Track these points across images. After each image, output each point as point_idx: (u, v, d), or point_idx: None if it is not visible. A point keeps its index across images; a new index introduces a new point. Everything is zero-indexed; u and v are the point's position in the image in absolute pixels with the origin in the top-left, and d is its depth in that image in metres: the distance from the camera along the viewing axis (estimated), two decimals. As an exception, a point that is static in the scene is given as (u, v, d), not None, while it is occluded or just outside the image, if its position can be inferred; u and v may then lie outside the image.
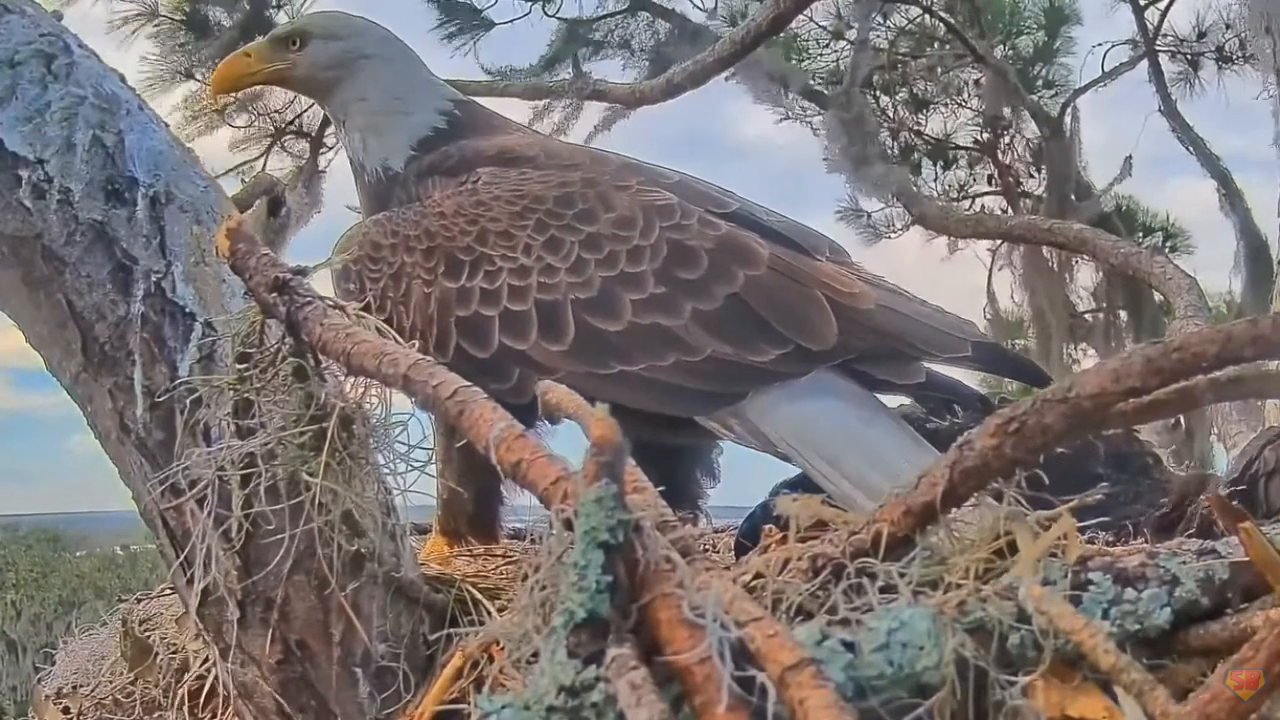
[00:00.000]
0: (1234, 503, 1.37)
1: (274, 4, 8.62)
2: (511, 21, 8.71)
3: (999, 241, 8.72)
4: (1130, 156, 8.71)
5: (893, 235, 8.72)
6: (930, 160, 9.30)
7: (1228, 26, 8.11)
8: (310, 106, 9.02)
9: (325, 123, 9.00)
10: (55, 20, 1.73)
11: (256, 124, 8.88)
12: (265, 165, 8.86)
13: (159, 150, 1.69)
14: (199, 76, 8.52)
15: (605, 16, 8.99)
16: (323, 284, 1.48)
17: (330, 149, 9.02)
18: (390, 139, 2.32)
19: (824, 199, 8.73)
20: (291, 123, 8.96)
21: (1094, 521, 1.37)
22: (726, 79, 7.76)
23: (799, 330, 1.90)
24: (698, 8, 8.87)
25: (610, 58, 8.96)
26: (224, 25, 8.58)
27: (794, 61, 8.86)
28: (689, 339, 1.91)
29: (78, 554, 14.87)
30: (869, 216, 8.73)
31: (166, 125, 1.76)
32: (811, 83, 8.80)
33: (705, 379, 1.91)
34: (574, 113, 8.31)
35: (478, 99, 2.62)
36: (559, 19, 8.87)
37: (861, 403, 1.94)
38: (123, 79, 1.74)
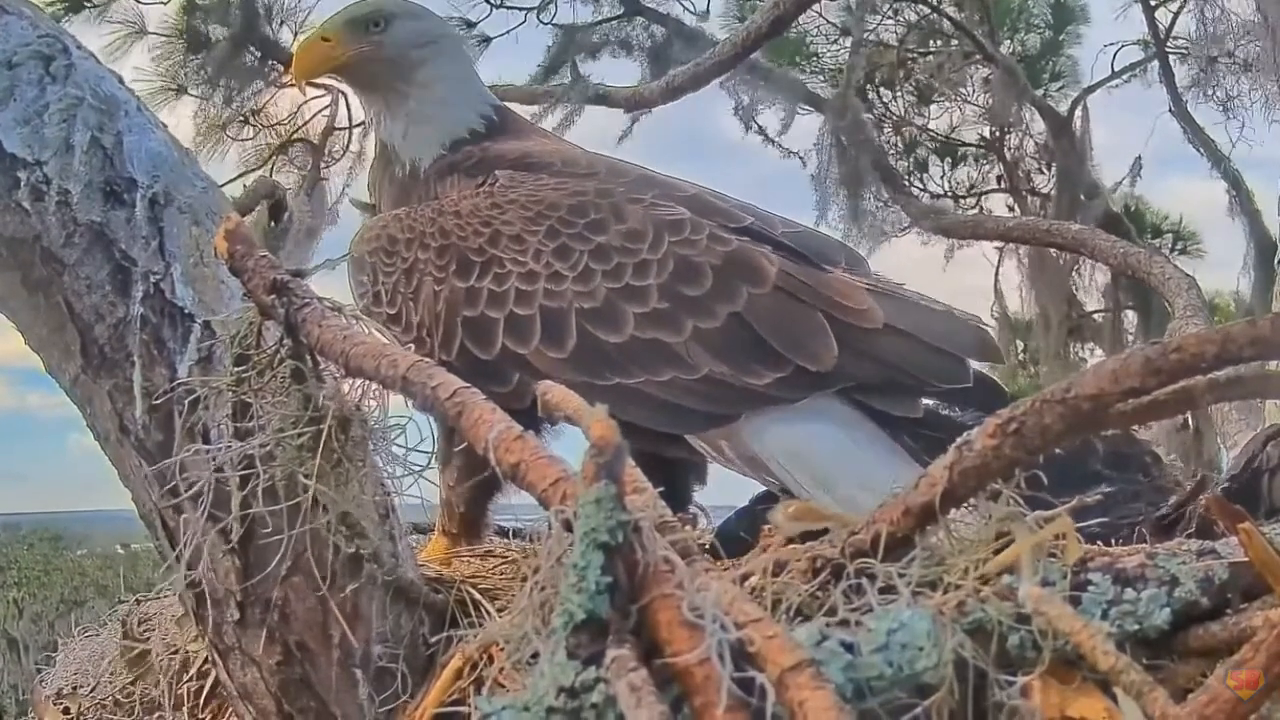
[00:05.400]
0: (1234, 500, 1.37)
1: (267, 17, 8.53)
2: (509, 32, 8.63)
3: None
4: (1140, 158, 8.72)
5: (898, 236, 8.70)
6: (938, 157, 9.28)
7: (1246, 32, 8.05)
8: (313, 117, 8.96)
9: (328, 132, 8.95)
10: (53, 22, 1.73)
11: (261, 136, 8.82)
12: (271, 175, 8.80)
13: (157, 151, 1.68)
14: (192, 92, 8.48)
15: (601, 22, 8.92)
16: (322, 285, 1.48)
17: (333, 160, 8.96)
18: (431, 129, 2.33)
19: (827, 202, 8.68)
20: (297, 132, 8.91)
21: (1094, 521, 1.37)
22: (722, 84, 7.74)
23: (798, 353, 1.90)
24: (689, 11, 8.81)
25: (614, 57, 8.88)
26: (215, 40, 8.48)
27: (798, 62, 8.84)
28: (688, 357, 1.92)
29: (79, 552, 14.83)
30: (872, 217, 8.70)
31: (164, 126, 1.76)
32: (816, 79, 8.77)
33: (701, 398, 1.92)
34: (572, 115, 8.25)
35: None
36: (554, 26, 8.81)
37: (857, 426, 1.93)
38: (121, 80, 1.73)
